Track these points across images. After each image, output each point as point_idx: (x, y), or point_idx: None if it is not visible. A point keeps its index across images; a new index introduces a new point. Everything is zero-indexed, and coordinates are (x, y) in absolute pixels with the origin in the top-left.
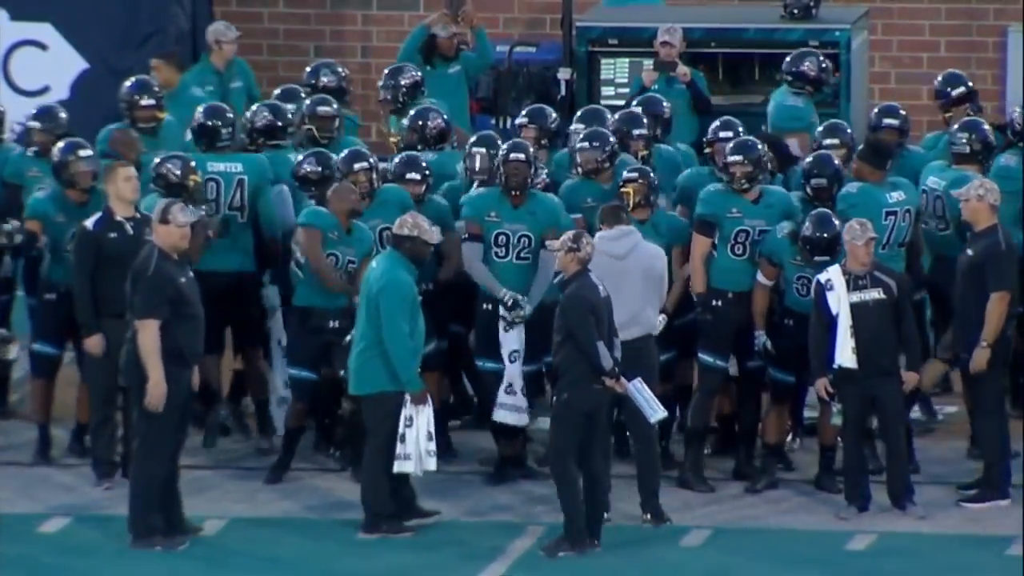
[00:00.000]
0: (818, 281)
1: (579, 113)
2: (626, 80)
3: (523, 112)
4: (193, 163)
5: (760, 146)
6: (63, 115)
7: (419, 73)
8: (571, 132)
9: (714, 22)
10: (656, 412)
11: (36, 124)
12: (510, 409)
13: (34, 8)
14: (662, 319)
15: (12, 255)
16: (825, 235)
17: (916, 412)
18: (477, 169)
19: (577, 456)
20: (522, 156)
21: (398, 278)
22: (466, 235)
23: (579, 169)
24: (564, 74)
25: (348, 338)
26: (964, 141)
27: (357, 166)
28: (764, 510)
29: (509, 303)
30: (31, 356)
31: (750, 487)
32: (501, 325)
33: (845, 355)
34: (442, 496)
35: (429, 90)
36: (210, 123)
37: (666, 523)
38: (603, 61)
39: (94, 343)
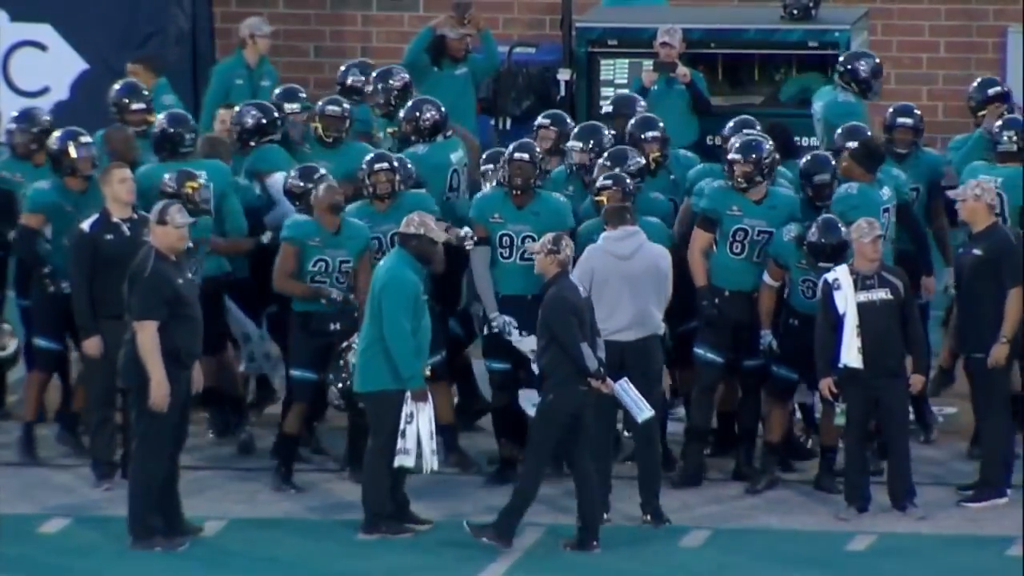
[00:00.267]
0: (825, 280)
1: (576, 130)
2: (626, 81)
3: (544, 114)
4: (198, 173)
5: (765, 147)
6: (46, 117)
7: (408, 75)
8: (568, 149)
9: (714, 23)
10: (643, 412)
11: (14, 126)
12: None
13: (34, 9)
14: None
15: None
16: (831, 242)
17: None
18: (576, 161)
19: (567, 458)
20: (526, 156)
21: (401, 275)
22: (474, 238)
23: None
24: (564, 75)
25: (344, 344)
26: (1010, 139)
27: (378, 166)
28: (764, 510)
29: (495, 327)
30: (31, 350)
31: (751, 487)
32: (515, 333)
33: (851, 355)
34: (442, 496)
35: (437, 91)
36: (173, 130)
37: (666, 524)
38: (603, 62)
39: (92, 345)
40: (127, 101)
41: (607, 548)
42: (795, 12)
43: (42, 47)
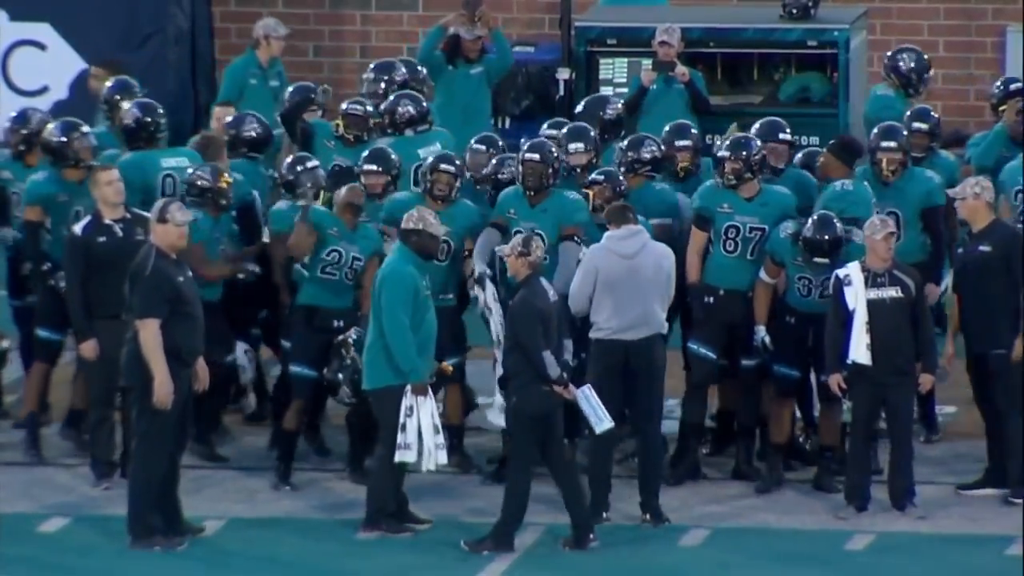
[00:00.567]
0: (836, 276)
1: (565, 130)
2: (625, 80)
3: (598, 172)
4: (224, 171)
5: (754, 145)
6: (38, 116)
7: (406, 71)
8: (572, 152)
9: (713, 22)
10: (603, 421)
11: (8, 124)
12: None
13: (33, 8)
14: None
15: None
16: (826, 237)
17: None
18: (582, 163)
19: (544, 458)
20: (536, 156)
21: (400, 270)
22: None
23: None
24: (563, 74)
25: (340, 337)
26: None
27: (443, 167)
28: (763, 509)
29: (475, 275)
30: (31, 347)
31: (761, 487)
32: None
33: (860, 352)
34: (442, 496)
35: (451, 91)
36: (149, 119)
37: (665, 523)
38: (602, 61)
39: (88, 348)
40: (119, 98)
41: (607, 547)
42: (794, 11)
43: (41, 46)
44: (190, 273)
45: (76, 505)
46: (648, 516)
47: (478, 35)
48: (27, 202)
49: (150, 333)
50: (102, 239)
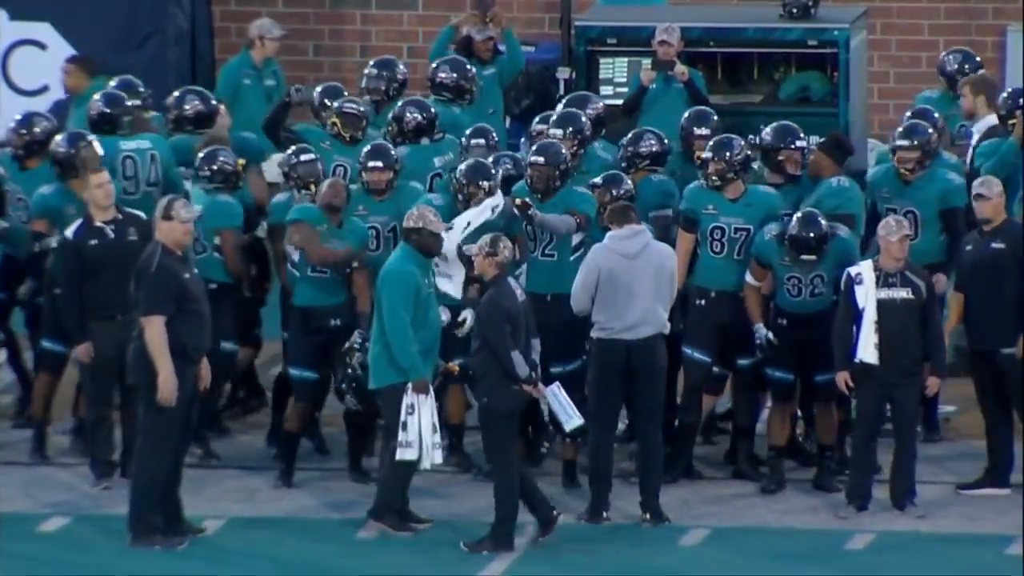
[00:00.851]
0: (848, 274)
1: (554, 118)
2: (625, 79)
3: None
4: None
5: (737, 145)
6: (43, 123)
7: (407, 71)
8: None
9: (712, 21)
10: (572, 419)
11: (11, 127)
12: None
13: (33, 8)
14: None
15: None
16: (811, 234)
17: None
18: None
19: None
20: (541, 159)
21: (399, 268)
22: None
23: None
24: (563, 73)
25: (346, 345)
26: None
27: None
28: (763, 509)
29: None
30: (39, 353)
31: (766, 487)
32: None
33: (867, 351)
34: (442, 496)
35: None
36: (110, 110)
37: (665, 522)
38: (602, 60)
39: (83, 351)
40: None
41: (607, 546)
42: (794, 11)
43: (41, 46)
44: (196, 270)
45: (76, 504)
46: (648, 516)
47: (489, 35)
48: (34, 215)
49: (155, 330)
50: (94, 242)
